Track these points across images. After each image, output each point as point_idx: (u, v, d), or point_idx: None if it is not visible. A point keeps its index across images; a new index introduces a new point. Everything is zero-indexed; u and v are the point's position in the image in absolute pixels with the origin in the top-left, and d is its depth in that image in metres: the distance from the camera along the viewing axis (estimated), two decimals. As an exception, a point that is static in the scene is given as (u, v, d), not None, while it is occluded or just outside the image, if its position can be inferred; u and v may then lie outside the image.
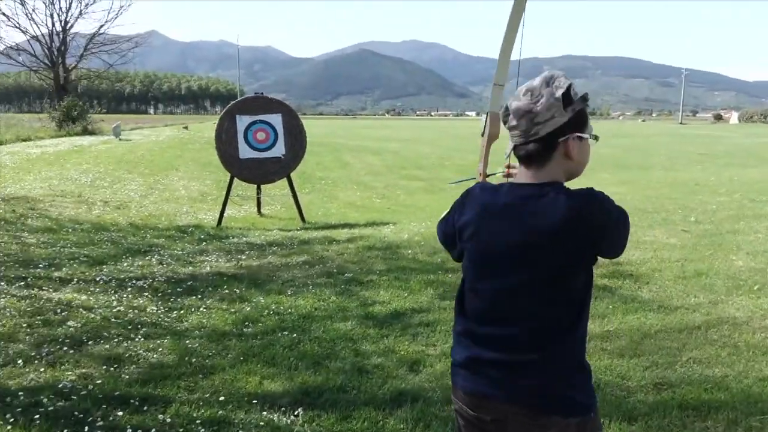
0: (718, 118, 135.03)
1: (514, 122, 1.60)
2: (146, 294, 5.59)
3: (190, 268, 6.71)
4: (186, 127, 45.16)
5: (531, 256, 1.56)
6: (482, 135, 2.39)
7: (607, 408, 3.40)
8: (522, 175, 1.66)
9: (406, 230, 8.84)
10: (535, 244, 1.55)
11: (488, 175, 2.23)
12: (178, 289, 5.77)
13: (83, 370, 3.91)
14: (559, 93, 1.55)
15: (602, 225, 1.53)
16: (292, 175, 10.81)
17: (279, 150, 10.42)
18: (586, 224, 1.51)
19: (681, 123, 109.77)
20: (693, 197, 10.51)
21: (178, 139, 28.37)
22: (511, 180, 1.73)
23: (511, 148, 1.66)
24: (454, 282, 5.90)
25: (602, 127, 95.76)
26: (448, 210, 1.85)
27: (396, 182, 17.45)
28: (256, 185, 11.11)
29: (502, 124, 1.73)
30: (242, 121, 10.23)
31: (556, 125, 1.56)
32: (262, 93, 10.71)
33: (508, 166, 1.93)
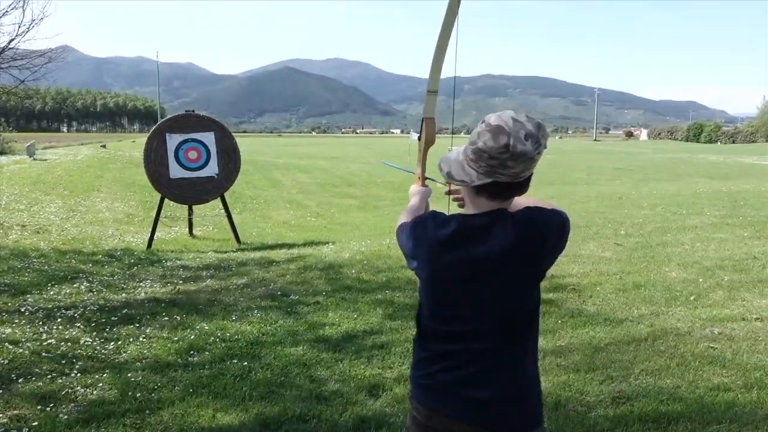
0: (629, 134, 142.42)
1: (510, 164, 1.66)
2: (78, 324, 5.24)
3: (123, 294, 6.38)
4: (104, 146, 43.51)
5: (483, 282, 1.70)
6: (418, 140, 2.42)
7: (570, 425, 3.41)
8: (477, 206, 1.76)
9: (346, 249, 8.76)
10: (487, 271, 1.69)
11: (426, 179, 2.29)
12: (113, 318, 5.45)
13: (15, 412, 3.58)
14: (545, 143, 1.70)
15: (542, 249, 1.69)
16: (226, 194, 10.55)
17: (212, 169, 10.15)
18: (529, 249, 1.68)
19: (596, 140, 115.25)
20: (619, 211, 10.95)
21: (97, 158, 27.14)
22: (461, 211, 1.81)
23: (479, 182, 1.71)
24: (402, 302, 5.86)
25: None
26: (407, 221, 1.92)
27: (329, 200, 17.36)
28: (187, 206, 10.75)
29: (431, 137, 1.91)
30: (172, 140, 9.91)
31: (533, 169, 1.72)
32: (193, 110, 10.43)
33: (450, 190, 2.04)
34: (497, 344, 1.73)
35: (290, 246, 9.77)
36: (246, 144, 74.17)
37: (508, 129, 1.66)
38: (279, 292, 6.33)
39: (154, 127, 10.01)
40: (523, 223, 1.68)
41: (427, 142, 2.39)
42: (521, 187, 1.73)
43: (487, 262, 1.69)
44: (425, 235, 1.78)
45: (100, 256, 8.59)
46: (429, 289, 1.80)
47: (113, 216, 13.01)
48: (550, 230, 1.70)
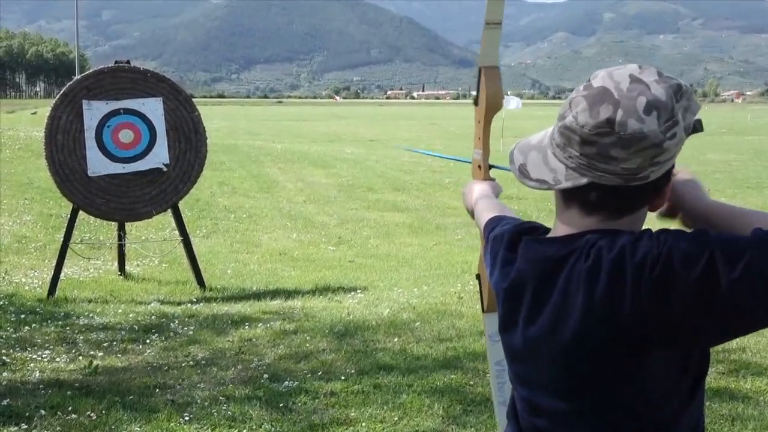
0: None
1: (616, 153, 1.64)
2: (-73, 424, 5.40)
3: (5, 374, 6.54)
4: (-15, 121, 44.82)
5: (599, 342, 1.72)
6: (475, 104, 2.51)
7: None
8: (568, 224, 1.81)
9: (385, 301, 8.80)
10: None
11: (491, 167, 2.48)
12: (-14, 415, 5.59)
13: None
14: (691, 120, 1.70)
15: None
16: (182, 203, 10.70)
17: (157, 158, 10.32)
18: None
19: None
20: None
21: (-27, 141, 27.99)
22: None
23: (568, 184, 1.73)
24: (479, 392, 5.85)
25: (708, 117, 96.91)
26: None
27: (359, 215, 17.46)
28: (117, 224, 10.96)
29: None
30: (93, 111, 10.12)
31: (672, 163, 1.73)
32: (127, 61, 10.66)
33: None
34: None
35: (289, 294, 9.84)
36: (223, 116, 74.70)
37: (617, 94, 1.62)
38: (265, 375, 6.39)
39: (63, 89, 10.25)
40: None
41: (490, 107, 2.43)
42: (643, 196, 1.73)
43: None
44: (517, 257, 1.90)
45: (-31, 307, 8.82)
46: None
47: (-5, 240, 13.33)
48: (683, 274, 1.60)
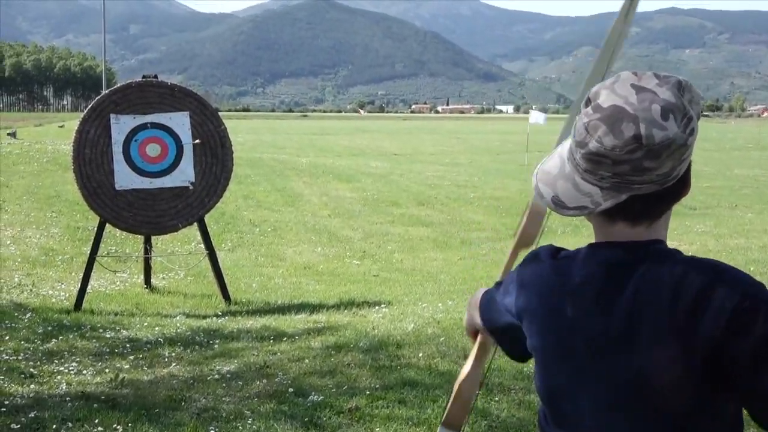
0: None
1: (649, 164, 1.68)
2: (-44, 435, 5.44)
3: (33, 385, 6.58)
4: (12, 134, 45.00)
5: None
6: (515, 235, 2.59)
7: None
8: (616, 238, 1.83)
9: (410, 316, 8.80)
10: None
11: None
12: (13, 426, 5.63)
13: None
14: (698, 109, 1.74)
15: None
16: (207, 217, 10.76)
17: (184, 175, 10.39)
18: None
19: None
20: None
21: (1, 153, 28.20)
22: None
23: (608, 205, 1.75)
24: (502, 407, 5.85)
25: (734, 132, 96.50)
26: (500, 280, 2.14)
27: (384, 229, 17.48)
28: (143, 237, 11.02)
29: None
30: (121, 125, 10.20)
31: (690, 155, 1.75)
32: (155, 76, 10.73)
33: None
34: None
35: (314, 308, 9.88)
36: (248, 130, 74.67)
37: (631, 109, 1.66)
38: (290, 389, 6.38)
39: (92, 104, 10.34)
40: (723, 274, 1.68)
41: (519, 243, 2.53)
42: (676, 191, 1.77)
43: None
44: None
45: (-1, 318, 8.88)
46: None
47: (21, 252, 13.45)
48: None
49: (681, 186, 1.76)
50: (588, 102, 1.73)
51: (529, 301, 1.92)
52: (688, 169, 1.77)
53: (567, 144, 1.79)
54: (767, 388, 1.60)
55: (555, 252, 1.94)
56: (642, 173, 1.67)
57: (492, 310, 2.19)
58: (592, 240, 1.87)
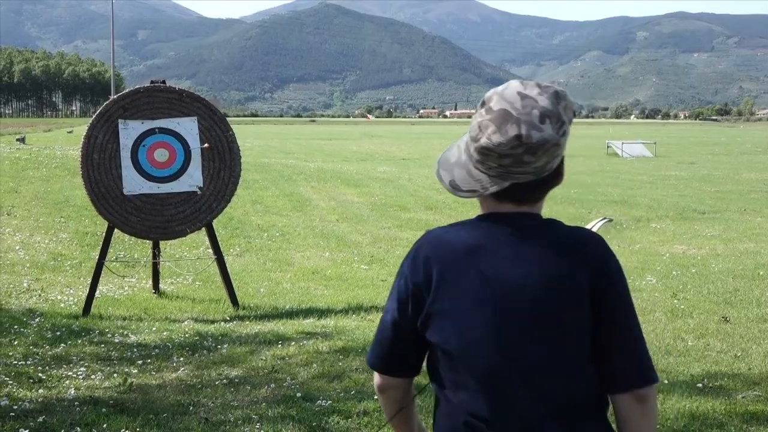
0: None
1: (528, 158, 2.11)
2: (-35, 439, 5.45)
3: (41, 390, 6.60)
4: (22, 139, 45.21)
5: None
6: None
7: None
8: (497, 209, 2.27)
9: (418, 320, 8.76)
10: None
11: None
12: (23, 431, 5.64)
13: None
14: (571, 115, 2.17)
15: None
16: (215, 222, 10.77)
17: (192, 179, 10.39)
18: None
19: None
20: None
21: (10, 159, 28.31)
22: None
23: (494, 190, 2.18)
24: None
25: (743, 136, 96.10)
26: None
27: (393, 234, 17.48)
28: (151, 242, 11.03)
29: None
30: (129, 131, 10.21)
31: (563, 152, 2.21)
32: (163, 81, 10.74)
33: None
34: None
35: (322, 313, 9.89)
36: (256, 135, 74.89)
37: (516, 113, 2.08)
38: (298, 394, 6.40)
39: (100, 109, 10.34)
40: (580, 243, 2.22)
41: None
42: (552, 181, 2.23)
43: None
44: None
45: (6, 321, 8.90)
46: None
47: (30, 257, 13.49)
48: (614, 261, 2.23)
49: (554, 176, 2.21)
50: (483, 104, 2.15)
51: (431, 272, 2.22)
52: (561, 163, 2.22)
53: (465, 137, 2.22)
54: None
55: (439, 229, 2.32)
56: (522, 165, 2.10)
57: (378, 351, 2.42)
58: None
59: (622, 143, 49.93)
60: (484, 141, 2.08)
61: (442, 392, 2.27)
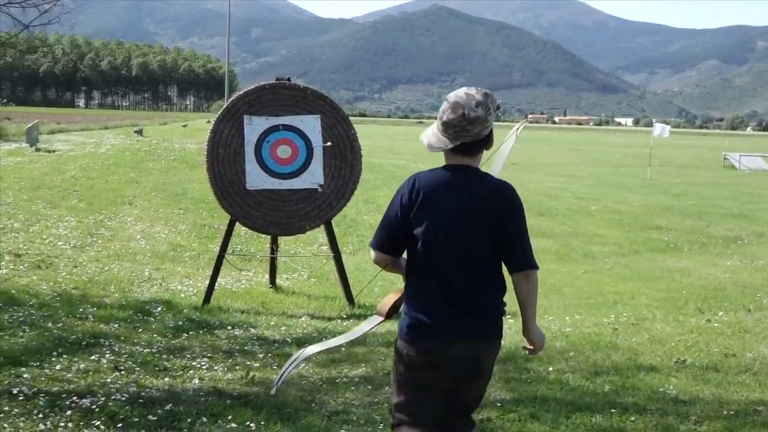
0: None
1: (469, 127, 3.80)
2: (97, 423, 5.55)
3: (167, 378, 6.71)
4: (140, 131, 46.31)
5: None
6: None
7: None
8: (454, 161, 3.98)
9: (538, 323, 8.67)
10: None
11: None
12: (150, 417, 5.73)
13: None
14: (494, 107, 3.86)
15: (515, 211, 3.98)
16: (333, 221, 10.81)
17: (313, 177, 10.44)
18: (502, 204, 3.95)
19: None
20: None
21: (130, 151, 29.05)
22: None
23: (452, 146, 3.88)
24: (638, 428, 5.77)
25: None
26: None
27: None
28: (270, 237, 11.15)
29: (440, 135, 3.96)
30: (254, 126, 10.31)
31: (491, 127, 3.87)
32: (288, 78, 10.81)
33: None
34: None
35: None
36: (364, 135, 74.53)
37: (462, 102, 3.80)
38: (420, 396, 6.36)
39: (227, 104, 10.46)
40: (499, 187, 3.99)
41: (380, 308, 4.77)
42: (485, 143, 3.94)
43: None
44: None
45: (130, 311, 9.07)
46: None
47: (151, 247, 13.78)
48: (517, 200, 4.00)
49: (486, 140, 3.92)
50: (447, 100, 3.86)
51: (419, 193, 3.90)
52: (490, 133, 3.90)
53: (436, 121, 3.95)
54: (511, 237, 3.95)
55: (423, 172, 4.01)
56: (466, 132, 3.81)
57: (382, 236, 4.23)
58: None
59: (740, 155, 48.68)
60: (445, 118, 3.85)
61: (413, 275, 4.11)
